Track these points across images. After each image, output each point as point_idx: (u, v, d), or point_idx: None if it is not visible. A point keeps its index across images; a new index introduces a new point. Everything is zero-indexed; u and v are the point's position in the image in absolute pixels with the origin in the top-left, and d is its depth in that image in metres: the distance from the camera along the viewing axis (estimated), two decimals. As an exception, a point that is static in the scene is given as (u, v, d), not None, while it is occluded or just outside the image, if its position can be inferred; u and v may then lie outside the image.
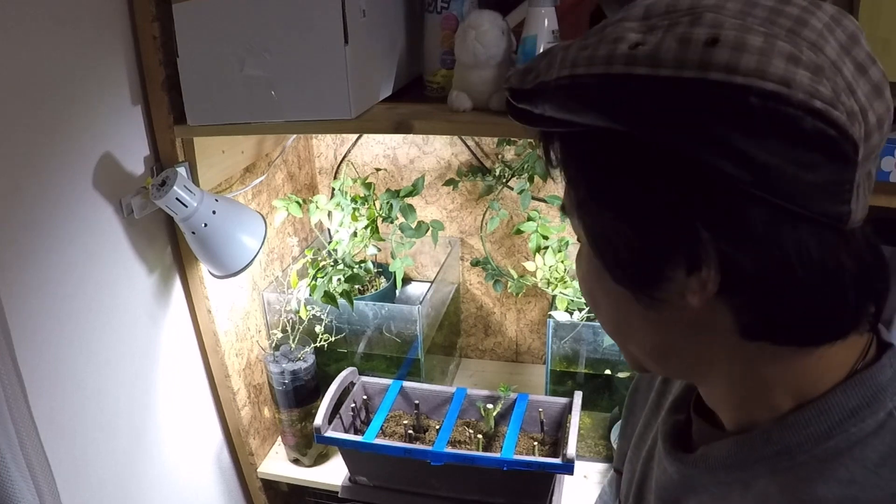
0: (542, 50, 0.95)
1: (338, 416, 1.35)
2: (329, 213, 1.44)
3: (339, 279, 1.38)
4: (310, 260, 1.40)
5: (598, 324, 0.55)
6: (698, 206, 0.42)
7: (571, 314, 1.34)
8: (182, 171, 1.08)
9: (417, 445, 1.29)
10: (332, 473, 1.41)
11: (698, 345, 0.49)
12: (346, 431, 1.35)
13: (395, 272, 1.46)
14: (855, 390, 0.47)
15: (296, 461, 1.45)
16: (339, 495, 1.37)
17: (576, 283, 1.36)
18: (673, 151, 0.41)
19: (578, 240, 0.52)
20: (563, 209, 0.52)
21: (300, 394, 1.37)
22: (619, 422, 0.80)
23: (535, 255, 1.43)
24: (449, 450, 1.24)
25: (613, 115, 0.42)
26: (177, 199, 1.05)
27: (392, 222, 1.43)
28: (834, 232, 0.43)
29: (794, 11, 0.40)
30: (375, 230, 1.42)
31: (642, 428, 0.70)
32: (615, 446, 0.80)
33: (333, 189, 1.46)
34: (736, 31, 0.39)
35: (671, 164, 0.41)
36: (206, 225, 1.09)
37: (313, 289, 1.34)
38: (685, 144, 0.40)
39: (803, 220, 0.41)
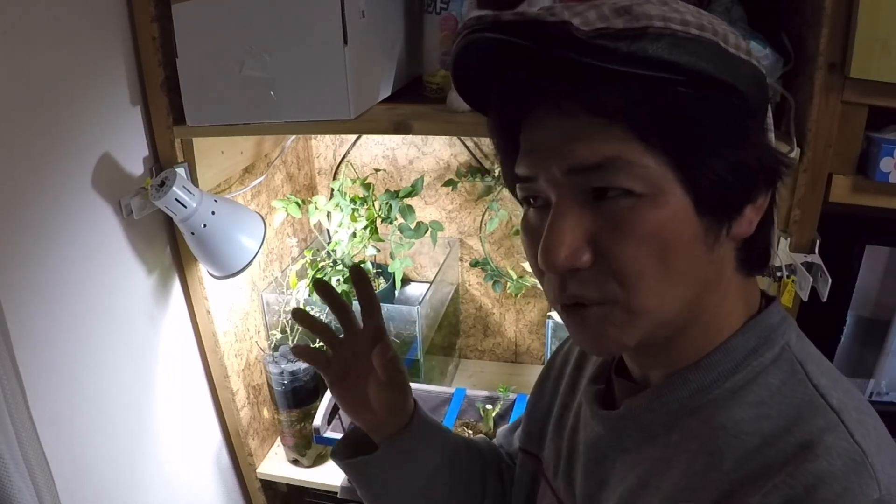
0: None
1: (337, 416, 1.35)
2: (328, 214, 1.44)
3: (338, 280, 1.38)
4: (309, 260, 1.40)
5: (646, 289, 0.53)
6: (767, 141, 0.54)
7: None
8: (181, 171, 1.08)
9: (417, 446, 1.29)
10: (331, 474, 1.41)
11: (717, 284, 0.55)
12: (346, 432, 1.35)
13: (394, 273, 1.46)
14: (752, 332, 0.56)
15: (295, 462, 1.45)
16: (338, 496, 1.37)
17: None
18: (748, 99, 0.51)
19: (630, 193, 0.49)
20: (603, 165, 0.49)
21: (299, 394, 1.37)
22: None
23: (534, 255, 1.43)
24: (448, 450, 1.24)
25: (719, 69, 0.49)
26: (176, 199, 1.04)
27: (391, 223, 1.43)
28: None
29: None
30: (374, 231, 1.42)
31: (560, 410, 0.75)
32: (523, 422, 0.83)
33: (332, 190, 1.46)
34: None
35: (755, 108, 0.52)
36: (205, 225, 1.09)
37: (312, 289, 1.34)
38: (751, 98, 0.51)
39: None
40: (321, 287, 0.77)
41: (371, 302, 0.78)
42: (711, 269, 0.54)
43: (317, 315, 1.36)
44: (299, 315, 0.76)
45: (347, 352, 0.76)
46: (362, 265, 1.46)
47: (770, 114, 0.57)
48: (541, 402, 0.80)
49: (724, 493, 0.51)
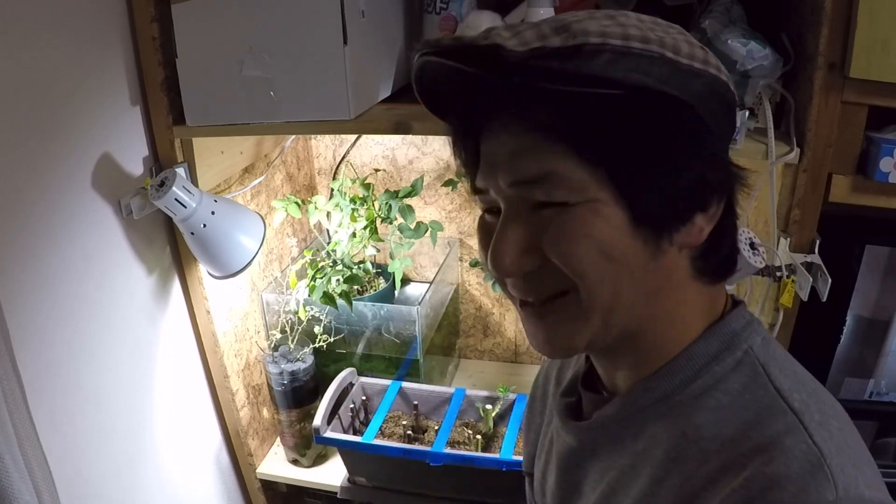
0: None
1: (337, 416, 1.35)
2: (328, 214, 1.44)
3: (337, 280, 1.38)
4: (308, 261, 1.40)
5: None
6: (719, 152, 0.54)
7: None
8: (181, 171, 1.08)
9: (416, 446, 1.29)
10: (331, 474, 1.41)
11: (668, 290, 0.56)
12: (345, 432, 1.35)
13: (393, 273, 1.46)
14: (714, 338, 0.57)
15: (295, 462, 1.45)
16: (338, 496, 1.37)
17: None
18: (696, 113, 0.51)
19: (566, 203, 0.51)
20: (540, 179, 0.51)
21: (299, 394, 1.37)
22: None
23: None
24: (448, 450, 1.24)
25: (662, 81, 0.50)
26: (176, 199, 1.04)
27: (391, 223, 1.43)
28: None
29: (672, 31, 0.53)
30: (374, 231, 1.42)
31: (545, 427, 0.77)
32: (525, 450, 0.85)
33: (332, 190, 1.46)
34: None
35: (710, 120, 0.52)
36: (204, 225, 1.09)
37: (312, 289, 1.34)
38: (703, 109, 0.52)
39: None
40: None
41: None
42: (659, 276, 0.55)
43: (315, 315, 1.36)
44: None
45: None
46: (362, 265, 1.46)
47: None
48: (533, 423, 0.82)
49: (683, 499, 0.52)
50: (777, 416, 0.52)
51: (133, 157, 1.11)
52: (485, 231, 0.59)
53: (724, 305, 0.60)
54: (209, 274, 1.21)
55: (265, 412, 1.48)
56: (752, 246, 0.84)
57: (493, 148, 0.55)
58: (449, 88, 0.56)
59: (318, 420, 1.28)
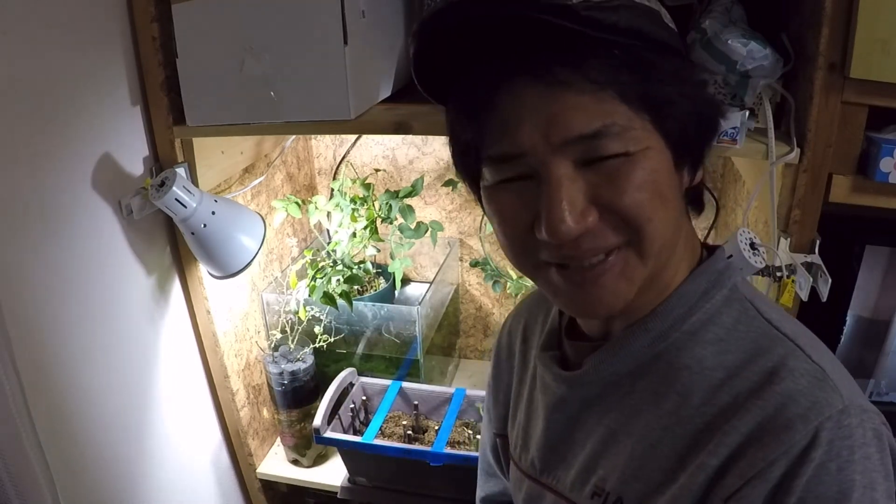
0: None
1: (337, 416, 1.35)
2: (328, 214, 1.44)
3: (338, 280, 1.38)
4: (309, 261, 1.40)
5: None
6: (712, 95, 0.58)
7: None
8: (181, 171, 1.08)
9: (416, 446, 1.29)
10: (332, 474, 1.41)
11: (679, 229, 0.59)
12: (346, 432, 1.35)
13: (394, 273, 1.46)
14: (702, 277, 0.61)
15: (295, 462, 1.45)
16: (339, 496, 1.37)
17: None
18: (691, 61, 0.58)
19: (627, 153, 0.52)
20: (602, 132, 0.52)
21: (299, 394, 1.37)
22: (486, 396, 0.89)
23: (534, 255, 1.43)
24: (448, 450, 1.24)
25: (666, 34, 0.55)
26: (176, 199, 1.04)
27: (391, 223, 1.43)
28: None
29: None
30: (374, 231, 1.42)
31: (517, 386, 0.79)
32: (491, 413, 0.86)
33: (332, 190, 1.46)
34: None
35: (694, 66, 0.60)
36: (205, 226, 1.09)
37: (312, 289, 1.34)
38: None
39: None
40: None
41: None
42: (679, 216, 0.59)
43: (316, 315, 1.36)
44: None
45: None
46: (362, 265, 1.46)
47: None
48: (500, 384, 0.84)
49: (698, 428, 0.55)
50: (775, 342, 0.56)
51: (133, 157, 1.11)
52: (511, 206, 0.57)
53: (700, 249, 0.65)
54: (209, 274, 1.21)
55: (265, 412, 1.48)
56: (753, 246, 0.83)
57: (527, 107, 0.53)
58: (462, 47, 0.55)
59: (318, 420, 1.28)
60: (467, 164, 0.61)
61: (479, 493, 0.95)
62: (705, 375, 0.56)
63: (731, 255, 0.67)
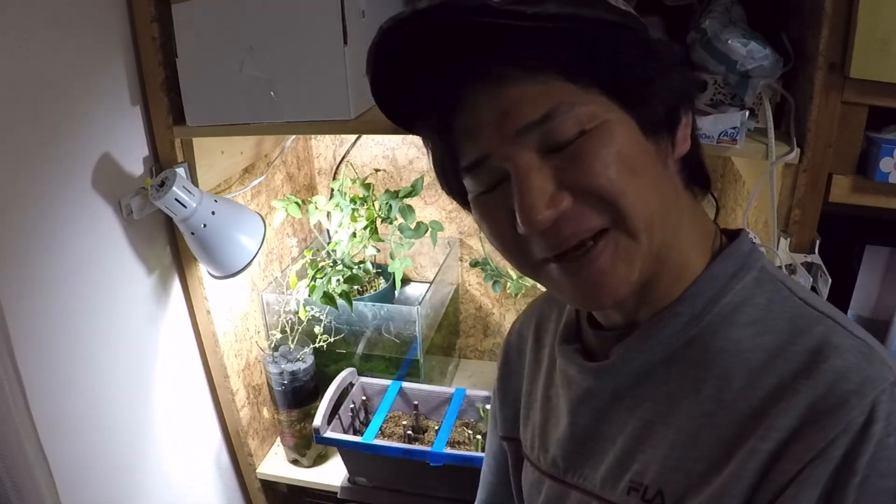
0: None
1: (337, 416, 1.35)
2: (328, 214, 1.44)
3: (338, 280, 1.38)
4: (309, 261, 1.40)
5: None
6: (672, 61, 0.58)
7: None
8: (181, 171, 1.08)
9: (416, 446, 1.29)
10: (331, 474, 1.41)
11: (677, 202, 0.59)
12: (345, 432, 1.35)
13: (394, 273, 1.46)
14: (729, 259, 0.59)
15: (295, 462, 1.45)
16: (338, 496, 1.37)
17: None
18: (641, 35, 0.57)
19: (583, 131, 0.53)
20: (552, 114, 0.52)
21: (299, 394, 1.37)
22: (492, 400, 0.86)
23: (534, 255, 1.43)
24: (448, 450, 1.24)
25: (615, 14, 0.55)
26: (176, 199, 1.04)
27: (391, 223, 1.43)
28: None
29: None
30: (374, 231, 1.42)
31: (529, 385, 0.77)
32: (497, 416, 0.84)
33: (332, 190, 1.46)
34: None
35: (646, 38, 0.57)
36: (205, 225, 1.09)
37: (312, 289, 1.34)
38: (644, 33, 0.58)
39: None
40: None
41: None
42: (670, 186, 0.58)
43: (316, 315, 1.36)
44: None
45: None
46: (362, 265, 1.46)
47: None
48: (509, 387, 0.82)
49: (743, 413, 0.53)
50: (813, 321, 0.55)
51: (133, 157, 1.11)
52: (493, 209, 0.57)
53: (714, 231, 0.63)
54: (209, 274, 1.21)
55: (265, 412, 1.48)
56: (753, 246, 0.83)
57: (482, 112, 0.55)
58: (415, 67, 0.56)
59: (318, 420, 1.28)
60: (449, 181, 0.62)
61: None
62: (744, 358, 0.55)
63: None
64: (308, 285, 1.36)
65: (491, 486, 0.90)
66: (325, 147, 1.65)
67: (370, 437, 1.28)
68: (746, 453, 0.52)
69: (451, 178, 0.62)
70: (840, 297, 0.98)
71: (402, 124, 0.64)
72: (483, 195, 0.58)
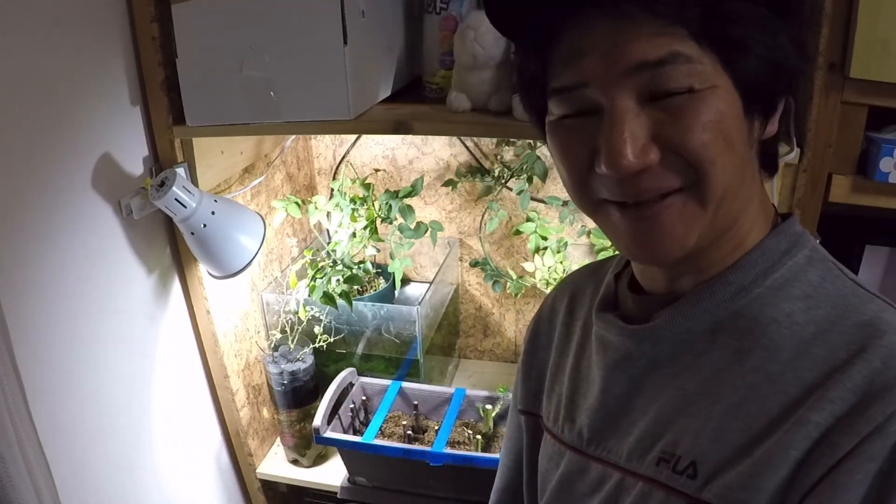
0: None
1: (337, 416, 1.35)
2: (328, 214, 1.44)
3: (337, 280, 1.38)
4: (309, 261, 1.40)
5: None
6: (793, 45, 0.55)
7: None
8: (181, 171, 1.08)
9: (416, 446, 1.29)
10: (331, 474, 1.41)
11: (751, 183, 0.59)
12: (345, 432, 1.35)
13: (393, 273, 1.46)
14: (783, 235, 0.60)
15: (295, 462, 1.45)
16: (338, 496, 1.37)
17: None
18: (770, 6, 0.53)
19: (692, 89, 0.52)
20: (666, 60, 0.51)
21: (299, 394, 1.37)
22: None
23: (533, 255, 1.43)
24: (448, 450, 1.24)
25: None
26: (176, 199, 1.04)
27: (391, 223, 1.43)
28: None
29: None
30: (374, 231, 1.42)
31: (557, 358, 0.76)
32: (518, 391, 0.83)
33: (332, 190, 1.46)
34: None
35: (780, 13, 0.54)
36: (205, 226, 1.09)
37: (312, 289, 1.34)
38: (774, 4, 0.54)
39: None
40: None
41: None
42: (749, 167, 0.57)
43: (315, 315, 1.36)
44: None
45: None
46: (362, 265, 1.46)
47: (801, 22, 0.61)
48: (535, 360, 0.80)
49: (791, 384, 0.53)
50: (864, 300, 0.55)
51: (133, 157, 1.11)
52: (572, 138, 0.56)
53: (773, 210, 0.63)
54: (209, 274, 1.21)
55: (265, 412, 1.48)
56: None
57: (594, 38, 0.53)
58: None
59: (318, 420, 1.28)
60: (533, 99, 0.61)
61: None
62: (795, 330, 0.55)
63: None
64: (308, 285, 1.36)
65: (506, 469, 0.88)
66: (324, 147, 1.65)
67: (370, 437, 1.28)
68: (794, 423, 0.51)
69: (536, 97, 0.60)
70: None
71: (502, 30, 0.62)
72: (564, 120, 0.57)
